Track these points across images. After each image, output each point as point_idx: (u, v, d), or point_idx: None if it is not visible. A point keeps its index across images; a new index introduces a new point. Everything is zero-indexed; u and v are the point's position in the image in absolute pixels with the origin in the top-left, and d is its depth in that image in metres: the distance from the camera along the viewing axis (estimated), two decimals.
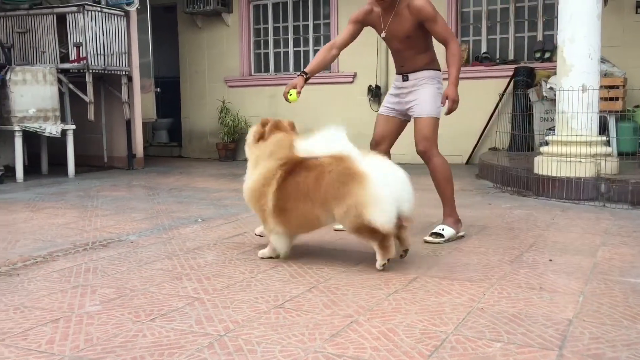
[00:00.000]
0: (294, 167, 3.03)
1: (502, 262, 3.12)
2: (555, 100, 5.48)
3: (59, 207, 5.03)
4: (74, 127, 7.19)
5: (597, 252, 3.30)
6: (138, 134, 8.05)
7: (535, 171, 5.30)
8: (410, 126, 3.74)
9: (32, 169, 7.36)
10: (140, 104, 8.10)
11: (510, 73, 7.58)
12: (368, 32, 3.81)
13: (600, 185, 4.93)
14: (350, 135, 2.97)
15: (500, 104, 7.75)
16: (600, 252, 3.31)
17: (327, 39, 8.80)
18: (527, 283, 2.74)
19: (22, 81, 6.67)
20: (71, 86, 7.35)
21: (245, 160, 3.26)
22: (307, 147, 3.03)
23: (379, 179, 2.82)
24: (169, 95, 9.58)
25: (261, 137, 3.18)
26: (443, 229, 3.60)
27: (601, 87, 5.36)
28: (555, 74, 5.64)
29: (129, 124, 7.94)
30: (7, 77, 6.60)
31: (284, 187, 3.00)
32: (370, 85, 8.44)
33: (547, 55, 7.64)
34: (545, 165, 5.16)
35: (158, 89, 8.70)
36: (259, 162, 3.13)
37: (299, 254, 3.29)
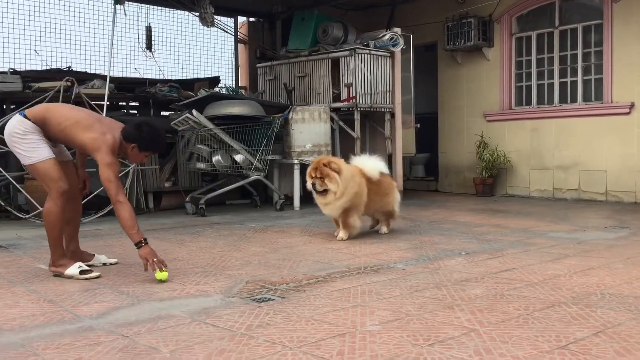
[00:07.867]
0: None
1: None
2: None
3: (331, 234, 5.46)
4: None
5: None
6: (398, 167, 8.38)
7: None
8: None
9: (304, 199, 8.12)
10: (401, 139, 8.45)
11: None
12: None
13: None
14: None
15: None
16: None
17: (599, 67, 8.17)
18: None
19: (301, 119, 7.47)
20: (341, 123, 8.00)
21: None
22: None
23: None
24: (426, 131, 9.81)
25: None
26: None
27: None
28: None
29: (390, 158, 8.32)
30: (290, 116, 7.46)
31: None
32: None
33: None
34: None
35: (418, 125, 8.99)
36: None
37: (576, 296, 3.07)
